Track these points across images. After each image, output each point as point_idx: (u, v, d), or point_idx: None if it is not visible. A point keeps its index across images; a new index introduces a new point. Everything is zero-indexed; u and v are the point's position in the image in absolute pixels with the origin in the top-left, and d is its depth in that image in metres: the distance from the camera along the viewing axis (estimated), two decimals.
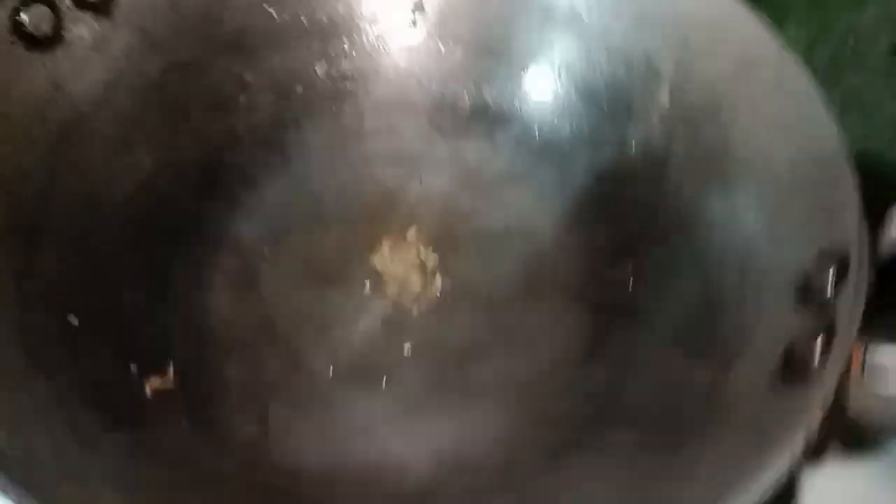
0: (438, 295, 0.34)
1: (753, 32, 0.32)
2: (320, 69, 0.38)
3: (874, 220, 0.25)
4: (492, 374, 0.31)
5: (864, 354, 0.21)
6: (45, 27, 0.30)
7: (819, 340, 0.22)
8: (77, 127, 0.31)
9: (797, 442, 0.19)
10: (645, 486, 0.21)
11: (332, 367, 0.31)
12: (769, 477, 0.19)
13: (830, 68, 0.40)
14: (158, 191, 0.33)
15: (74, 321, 0.27)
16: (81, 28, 0.31)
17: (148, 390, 0.27)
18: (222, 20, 0.36)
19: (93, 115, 0.32)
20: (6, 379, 0.23)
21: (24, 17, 0.29)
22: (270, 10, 0.37)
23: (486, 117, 0.38)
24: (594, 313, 0.32)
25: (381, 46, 0.39)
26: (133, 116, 0.33)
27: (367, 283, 0.34)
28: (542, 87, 0.38)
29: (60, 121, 0.30)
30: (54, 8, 0.30)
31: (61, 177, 0.29)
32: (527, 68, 0.38)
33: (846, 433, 0.20)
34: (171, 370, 0.28)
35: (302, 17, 0.37)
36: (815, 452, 0.19)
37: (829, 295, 0.24)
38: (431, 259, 0.35)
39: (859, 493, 0.24)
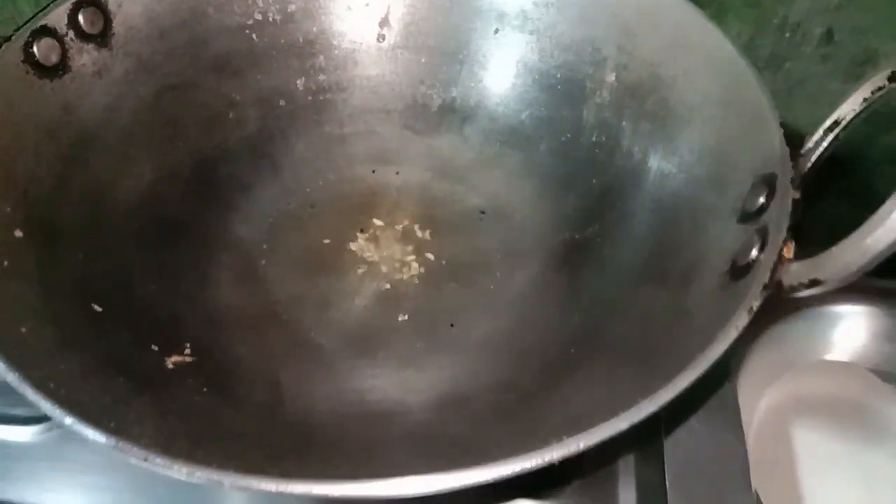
0: (425, 271, 0.37)
1: (684, 15, 0.36)
2: (300, 84, 0.42)
3: (795, 145, 0.29)
4: (479, 330, 0.34)
5: (794, 247, 0.24)
6: (54, 57, 0.33)
7: (756, 244, 0.26)
8: (84, 142, 0.34)
9: (742, 318, 0.23)
10: (623, 395, 0.24)
11: (334, 340, 0.34)
12: (721, 349, 0.22)
13: (771, 59, 0.44)
14: (160, 196, 0.36)
15: (98, 308, 0.30)
16: (84, 57, 0.35)
17: (169, 364, 0.29)
18: (208, 46, 0.39)
19: (97, 132, 0.35)
20: (43, 351, 0.25)
21: (34, 48, 0.32)
22: (252, 35, 0.41)
23: (455, 114, 0.42)
24: (566, 271, 0.35)
25: (353, 59, 0.43)
26: (133, 133, 0.36)
27: (360, 266, 0.37)
28: (502, 81, 0.42)
29: (69, 137, 0.33)
30: (60, 40, 0.34)
31: (72, 183, 0.32)
32: (486, 67, 0.42)
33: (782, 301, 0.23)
34: (188, 349, 0.31)
35: (280, 40, 0.41)
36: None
37: (763, 210, 0.27)
38: (417, 240, 0.38)
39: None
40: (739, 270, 0.25)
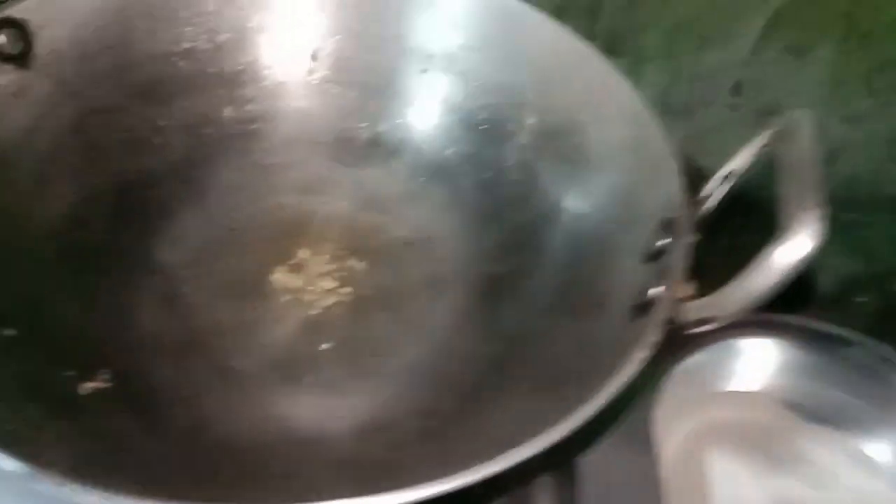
0: (349, 300, 0.38)
1: (598, 68, 0.38)
2: (228, 112, 0.42)
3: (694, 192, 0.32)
4: (401, 359, 0.35)
5: (695, 285, 0.27)
6: None
7: (659, 283, 0.28)
8: (0, 163, 0.33)
9: (644, 350, 0.25)
10: (536, 415, 0.25)
11: (256, 367, 0.34)
12: (625, 379, 0.24)
13: (685, 106, 0.46)
14: (81, 220, 0.35)
15: (10, 332, 0.29)
16: (3, 78, 0.34)
17: (85, 389, 0.29)
18: (133, 71, 0.39)
19: (15, 154, 0.34)
20: None
21: None
22: (179, 62, 0.41)
23: (381, 147, 0.43)
24: (487, 301, 0.37)
25: (282, 90, 0.43)
26: (53, 156, 0.36)
27: (285, 294, 0.38)
28: (428, 118, 0.43)
29: None
30: None
31: None
32: (413, 104, 0.44)
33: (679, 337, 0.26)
34: (106, 374, 0.30)
35: (208, 69, 0.42)
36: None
37: (664, 251, 0.30)
38: (341, 269, 0.39)
39: None
40: (642, 307, 0.28)
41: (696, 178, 0.33)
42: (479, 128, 0.42)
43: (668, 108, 0.42)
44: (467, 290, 0.38)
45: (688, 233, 0.29)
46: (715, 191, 0.31)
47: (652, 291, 0.28)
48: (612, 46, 0.44)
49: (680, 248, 0.28)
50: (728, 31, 0.43)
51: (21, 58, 0.35)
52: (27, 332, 0.29)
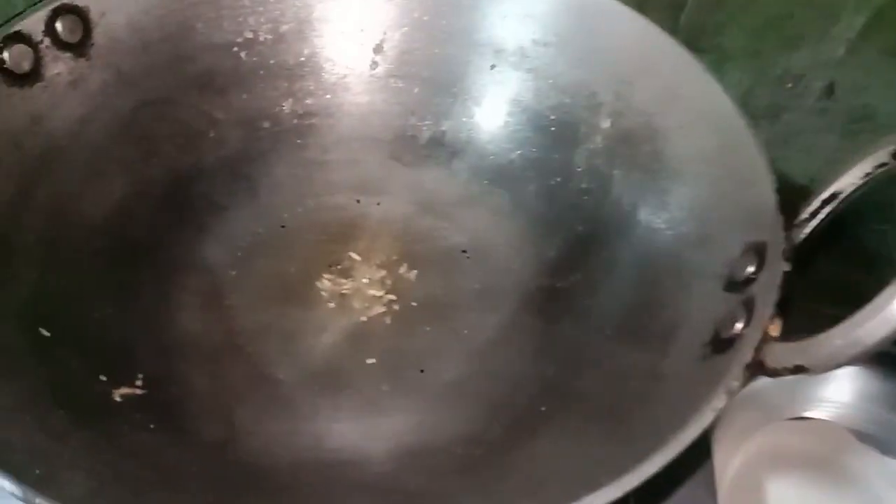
0: (398, 310, 0.36)
1: (682, 65, 0.35)
2: (287, 106, 0.41)
3: (789, 215, 0.28)
4: (449, 376, 0.33)
5: (781, 324, 0.23)
6: (26, 65, 0.32)
7: (742, 317, 0.24)
8: (52, 155, 0.33)
9: (721, 399, 0.21)
10: (591, 454, 0.22)
11: (296, 376, 0.32)
12: (697, 430, 0.21)
13: (769, 108, 0.43)
14: (128, 214, 0.34)
15: (46, 333, 0.28)
16: (60, 66, 0.34)
17: (116, 396, 0.28)
18: (193, 61, 0.38)
19: (67, 145, 0.34)
20: None
21: (5, 55, 0.31)
22: (240, 53, 0.40)
23: (443, 147, 0.41)
24: (544, 317, 0.34)
25: (344, 85, 0.41)
26: (106, 147, 0.35)
27: (331, 300, 0.36)
28: (495, 118, 0.41)
29: (36, 149, 0.32)
30: (35, 47, 0.32)
31: (34, 198, 0.31)
32: (480, 102, 0.41)
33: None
34: (139, 380, 0.29)
35: (270, 60, 0.40)
36: None
37: (751, 280, 0.26)
38: (392, 277, 0.37)
39: None
40: (722, 343, 0.24)
41: (785, 189, 0.29)
42: (549, 130, 0.39)
43: (750, 110, 0.39)
44: (523, 304, 0.35)
45: (781, 261, 0.25)
46: (816, 214, 0.27)
47: (735, 326, 0.24)
48: (693, 43, 0.40)
49: (771, 278, 0.24)
50: (823, 30, 0.40)
51: (79, 46, 0.34)
52: (63, 333, 0.28)
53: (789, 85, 0.42)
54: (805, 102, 0.42)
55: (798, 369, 0.21)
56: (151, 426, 0.27)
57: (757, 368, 0.22)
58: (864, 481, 0.35)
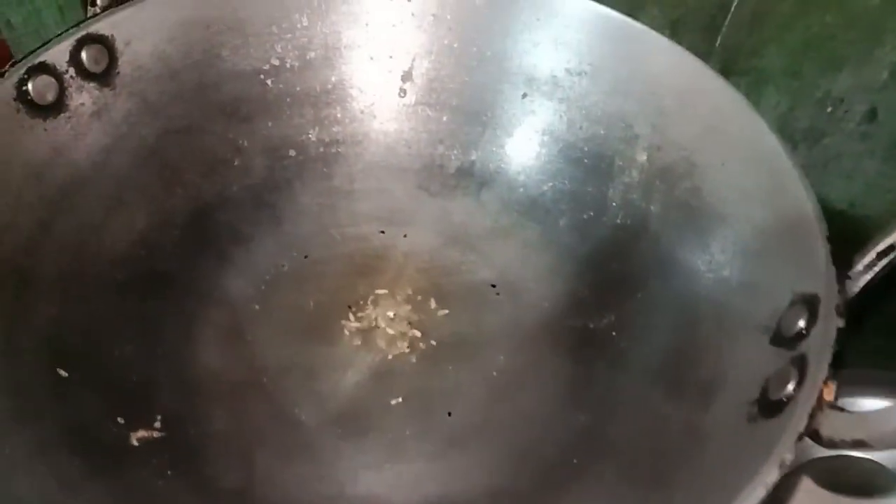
0: (425, 348, 0.34)
1: (723, 98, 0.33)
2: (313, 134, 0.40)
3: (842, 264, 0.26)
4: (477, 420, 0.31)
5: (836, 387, 0.21)
6: (50, 96, 0.32)
7: (793, 377, 0.23)
8: (74, 186, 0.32)
9: (772, 472, 0.20)
10: None
11: (319, 417, 0.31)
12: None
13: (809, 132, 0.42)
14: (151, 246, 0.34)
15: (63, 373, 0.27)
16: (84, 96, 0.33)
17: (134, 440, 0.27)
18: (219, 89, 0.38)
19: (90, 176, 0.33)
20: None
21: (28, 86, 0.31)
22: (266, 80, 0.39)
23: (472, 178, 0.40)
24: (576, 359, 0.33)
25: (371, 113, 0.41)
26: (129, 177, 0.34)
27: (356, 337, 0.35)
28: (526, 149, 0.39)
29: (57, 181, 0.31)
30: (59, 78, 0.32)
31: (54, 230, 0.30)
32: (511, 133, 0.40)
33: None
34: (157, 422, 0.28)
35: (296, 87, 0.40)
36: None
37: (801, 335, 0.24)
38: (419, 313, 0.36)
39: None
40: (771, 405, 0.23)
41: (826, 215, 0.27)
42: (583, 162, 0.38)
43: (789, 133, 0.38)
44: (554, 345, 0.34)
45: (835, 316, 0.23)
46: (868, 268, 0.25)
47: (786, 387, 0.23)
48: (730, 65, 0.40)
49: (825, 334, 0.23)
50: (866, 53, 0.38)
51: (104, 75, 0.34)
52: (81, 372, 0.28)
53: (830, 108, 0.41)
54: (846, 126, 0.41)
55: (857, 444, 0.19)
56: (169, 472, 0.26)
57: (812, 437, 0.20)
58: None
